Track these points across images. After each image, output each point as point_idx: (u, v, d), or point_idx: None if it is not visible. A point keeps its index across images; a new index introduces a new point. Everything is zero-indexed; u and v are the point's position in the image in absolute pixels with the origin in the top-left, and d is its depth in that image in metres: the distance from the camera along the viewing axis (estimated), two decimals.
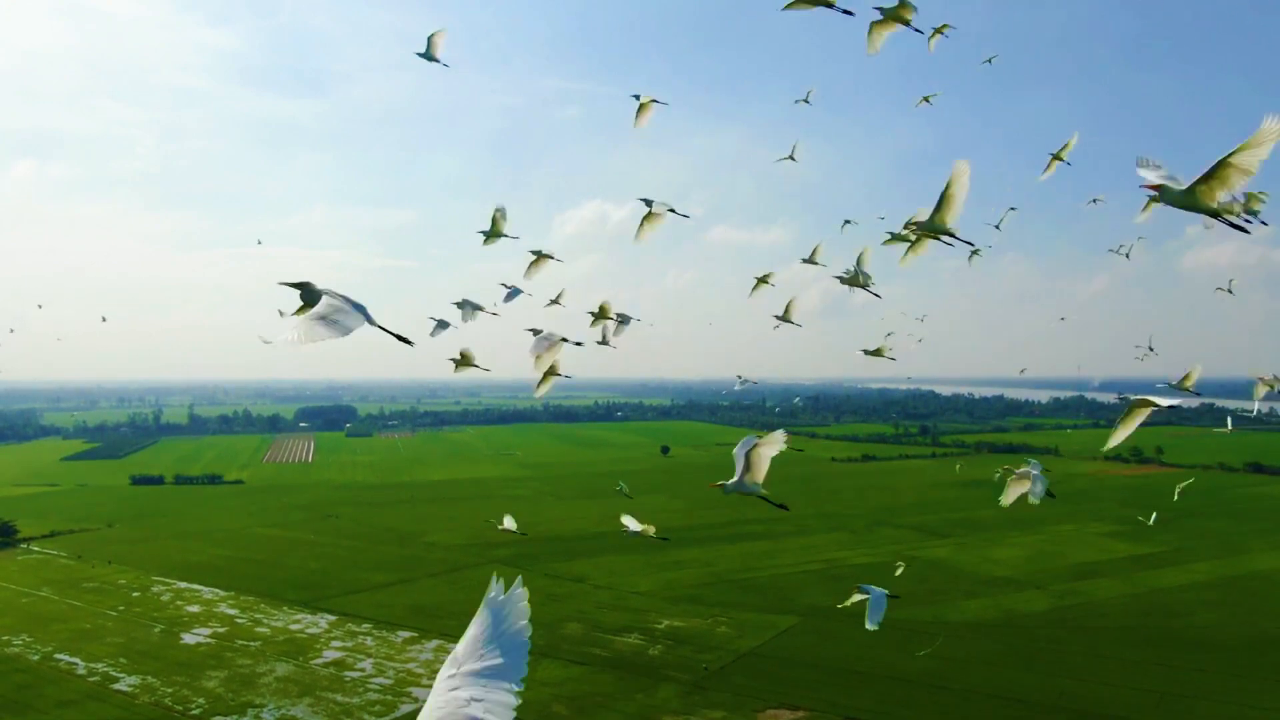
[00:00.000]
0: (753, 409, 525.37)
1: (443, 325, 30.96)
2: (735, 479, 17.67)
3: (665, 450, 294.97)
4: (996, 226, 50.44)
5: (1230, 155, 12.30)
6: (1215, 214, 14.06)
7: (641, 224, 31.09)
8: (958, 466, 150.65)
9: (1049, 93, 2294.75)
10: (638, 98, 36.24)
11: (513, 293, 31.95)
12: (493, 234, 30.65)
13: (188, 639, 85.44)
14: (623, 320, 35.33)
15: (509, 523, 42.34)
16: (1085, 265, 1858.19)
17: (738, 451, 17.73)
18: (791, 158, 40.37)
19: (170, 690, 70.87)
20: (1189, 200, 13.28)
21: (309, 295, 11.61)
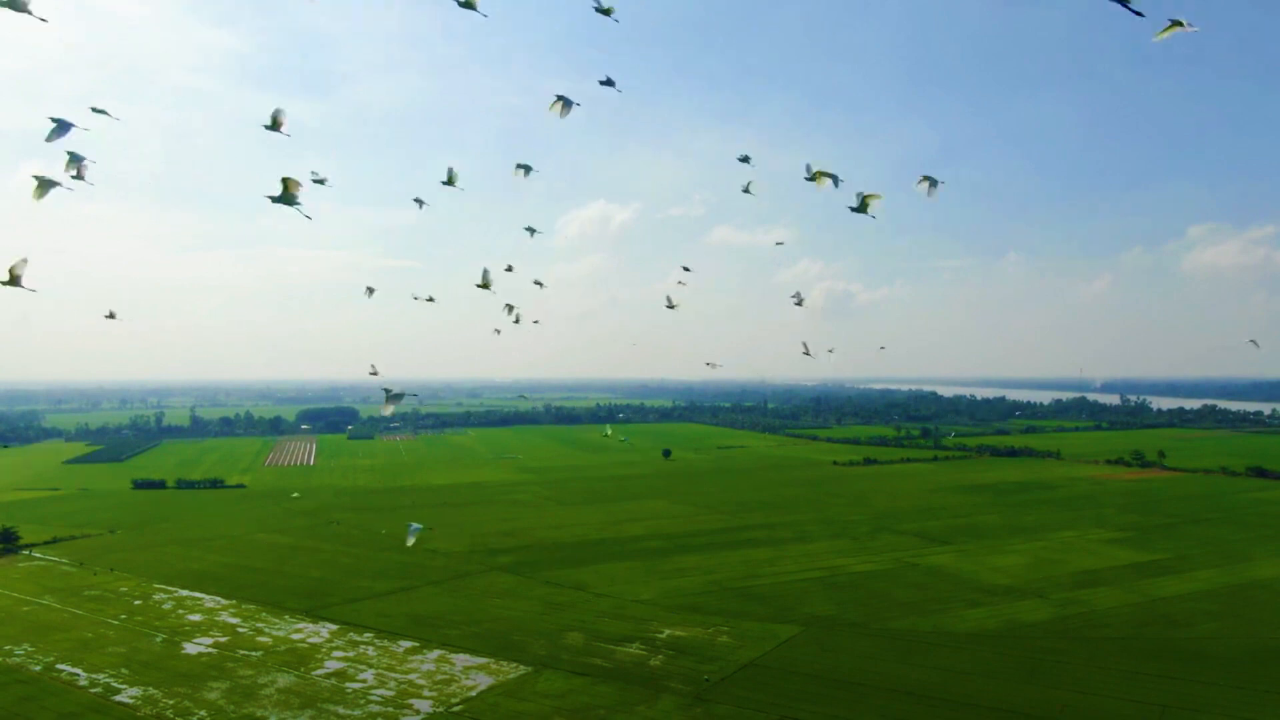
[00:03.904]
0: (754, 410, 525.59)
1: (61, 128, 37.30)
2: None
3: (667, 454, 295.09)
4: (856, 208, 54.14)
5: None
6: None
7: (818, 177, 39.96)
8: (608, 430, 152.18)
9: (1050, 94, 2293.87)
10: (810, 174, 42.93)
11: (62, 127, 38.71)
12: (285, 198, 36.42)
13: (189, 649, 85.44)
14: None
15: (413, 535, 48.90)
16: (1085, 266, 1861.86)
17: None
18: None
19: (172, 702, 70.84)
20: None
21: None
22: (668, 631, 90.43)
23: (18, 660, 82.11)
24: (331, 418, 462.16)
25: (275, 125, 39.83)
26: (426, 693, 73.00)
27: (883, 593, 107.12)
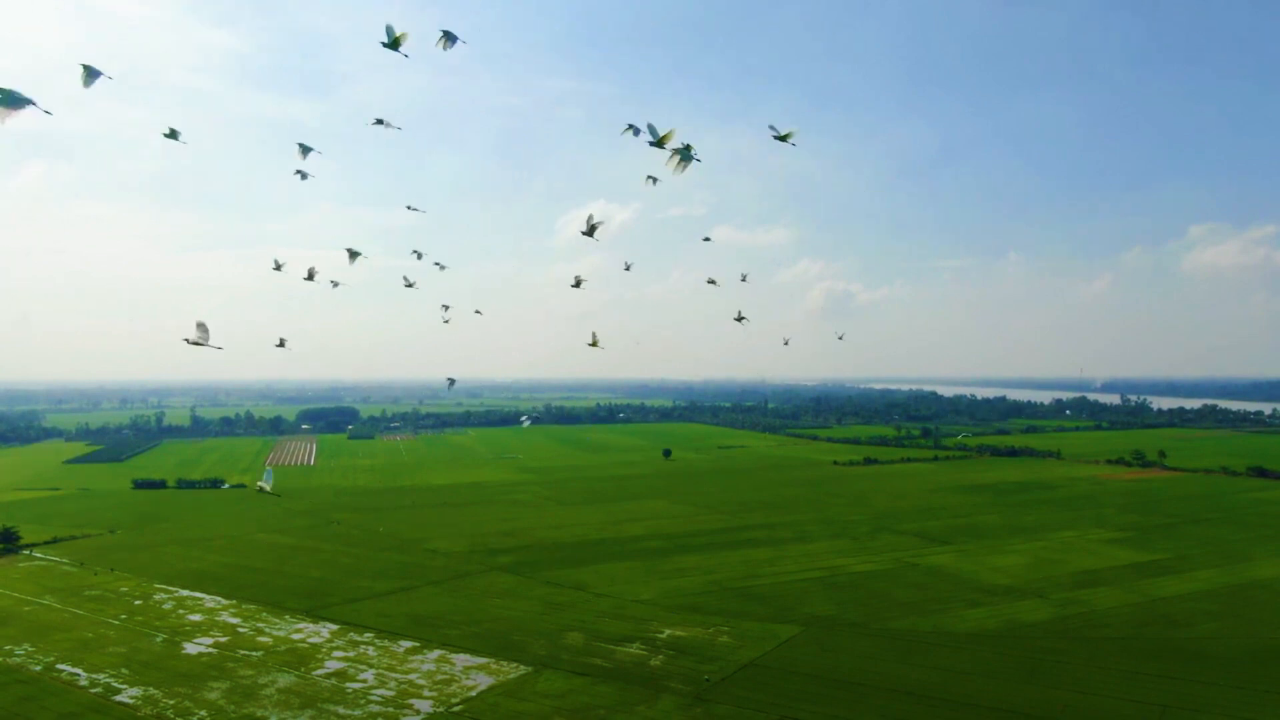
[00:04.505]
0: (755, 410, 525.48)
1: None
2: None
3: (667, 453, 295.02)
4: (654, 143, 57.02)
5: None
6: None
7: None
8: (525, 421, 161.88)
9: (1050, 94, 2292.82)
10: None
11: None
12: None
13: (190, 649, 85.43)
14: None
15: (267, 482, 56.61)
16: (1085, 266, 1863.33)
17: None
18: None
19: (172, 702, 70.82)
20: None
21: None
22: (668, 631, 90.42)
23: (18, 660, 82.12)
24: (332, 417, 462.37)
25: (395, 43, 42.32)
26: (427, 693, 73.01)
27: (883, 593, 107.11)
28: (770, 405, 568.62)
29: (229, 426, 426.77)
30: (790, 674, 77.48)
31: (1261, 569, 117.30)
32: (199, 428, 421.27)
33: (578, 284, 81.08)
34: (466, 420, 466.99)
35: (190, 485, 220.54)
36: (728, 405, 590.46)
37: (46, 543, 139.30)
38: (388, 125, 57.34)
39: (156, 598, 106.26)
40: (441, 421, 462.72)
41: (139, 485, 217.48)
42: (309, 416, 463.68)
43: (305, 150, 56.99)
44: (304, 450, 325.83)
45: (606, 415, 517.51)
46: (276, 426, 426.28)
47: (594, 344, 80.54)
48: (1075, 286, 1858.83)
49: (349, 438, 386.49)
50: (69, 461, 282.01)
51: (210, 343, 41.71)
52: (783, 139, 49.50)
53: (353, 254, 64.98)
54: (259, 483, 62.07)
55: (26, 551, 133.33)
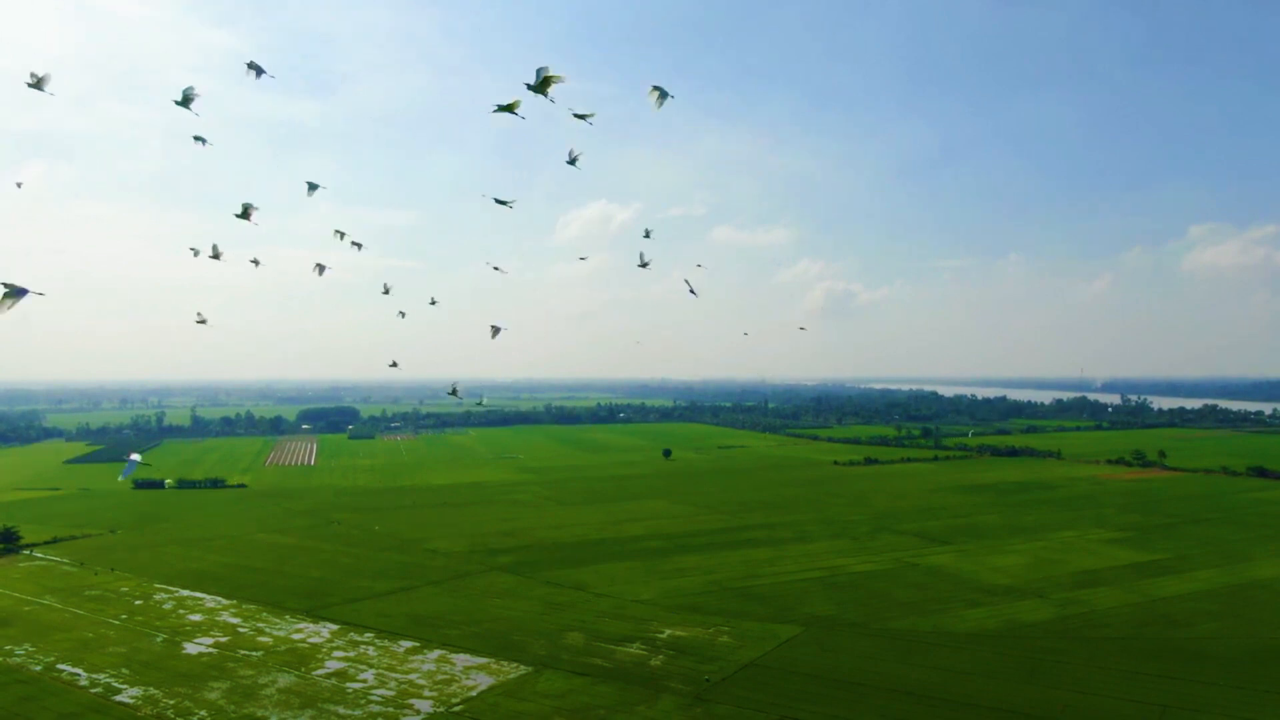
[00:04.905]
0: (755, 410, 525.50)
1: None
2: None
3: (667, 453, 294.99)
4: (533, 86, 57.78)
5: None
6: None
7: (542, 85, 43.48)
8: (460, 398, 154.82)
9: (1050, 94, 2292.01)
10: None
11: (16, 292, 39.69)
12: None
13: (190, 649, 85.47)
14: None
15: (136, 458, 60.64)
16: (1085, 266, 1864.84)
17: None
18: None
19: (172, 702, 70.85)
20: None
21: None
22: (668, 631, 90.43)
23: (18, 660, 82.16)
24: (332, 417, 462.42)
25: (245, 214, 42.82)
26: (427, 693, 73.03)
27: (883, 593, 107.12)
28: (770, 405, 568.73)
29: (229, 426, 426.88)
30: (790, 674, 77.50)
31: (1261, 569, 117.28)
32: (199, 428, 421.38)
33: (499, 269, 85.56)
34: (467, 420, 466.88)
35: (191, 485, 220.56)
36: (728, 405, 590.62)
37: (47, 543, 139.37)
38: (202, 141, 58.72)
39: (157, 598, 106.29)
40: (442, 421, 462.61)
41: (139, 485, 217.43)
42: (309, 416, 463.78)
43: (187, 99, 54.51)
44: (304, 450, 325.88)
45: (607, 415, 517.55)
46: (277, 426, 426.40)
47: (495, 334, 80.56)
48: (1075, 286, 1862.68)
49: (349, 438, 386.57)
50: (69, 461, 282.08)
51: (34, 289, 40.61)
52: (661, 95, 51.56)
53: (245, 210, 64.09)
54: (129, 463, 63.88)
55: (27, 551, 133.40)
